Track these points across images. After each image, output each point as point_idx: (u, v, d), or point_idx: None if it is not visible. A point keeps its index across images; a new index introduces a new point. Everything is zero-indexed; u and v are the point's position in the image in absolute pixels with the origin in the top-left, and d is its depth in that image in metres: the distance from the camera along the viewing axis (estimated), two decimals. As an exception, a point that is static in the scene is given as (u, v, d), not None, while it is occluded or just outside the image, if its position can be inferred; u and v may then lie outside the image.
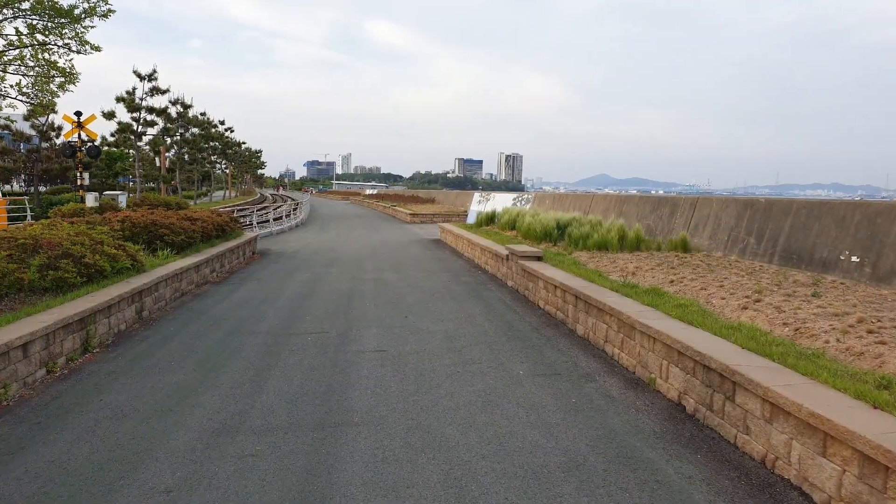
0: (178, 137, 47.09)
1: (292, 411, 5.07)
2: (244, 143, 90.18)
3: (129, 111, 34.58)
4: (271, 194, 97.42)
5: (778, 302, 6.59)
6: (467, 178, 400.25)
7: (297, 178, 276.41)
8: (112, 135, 38.29)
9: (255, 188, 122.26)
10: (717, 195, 13.93)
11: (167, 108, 38.76)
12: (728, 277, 8.35)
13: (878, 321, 5.56)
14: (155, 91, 35.44)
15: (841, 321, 5.64)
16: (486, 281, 12.28)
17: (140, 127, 35.42)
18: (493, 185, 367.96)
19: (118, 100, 34.13)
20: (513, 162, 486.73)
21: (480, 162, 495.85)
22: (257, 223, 25.49)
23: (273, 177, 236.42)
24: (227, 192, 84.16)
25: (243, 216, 27.55)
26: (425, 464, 4.14)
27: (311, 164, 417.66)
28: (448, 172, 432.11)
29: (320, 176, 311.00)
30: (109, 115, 34.08)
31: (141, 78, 34.28)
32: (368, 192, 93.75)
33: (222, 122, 75.50)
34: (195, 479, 3.91)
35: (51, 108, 25.62)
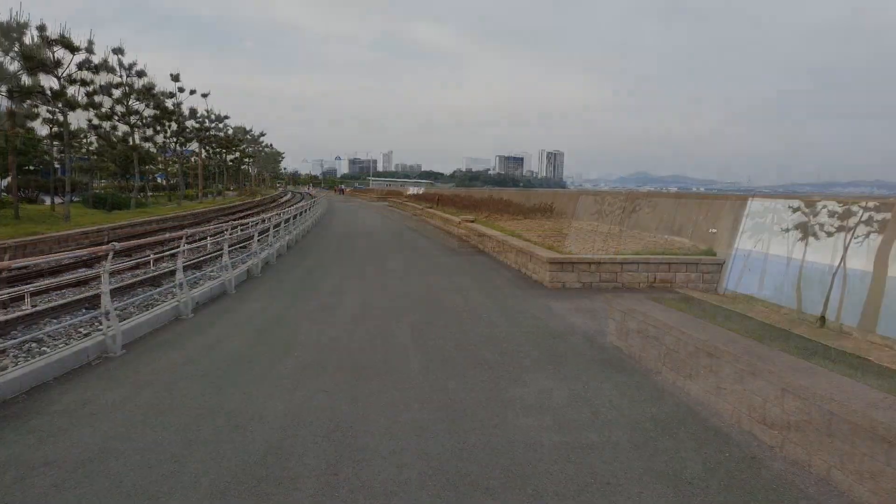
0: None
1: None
2: (225, 117, 71.54)
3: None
4: (302, 193, 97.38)
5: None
6: (508, 176, 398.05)
7: (339, 175, 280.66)
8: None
9: (256, 188, 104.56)
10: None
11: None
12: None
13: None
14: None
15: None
16: None
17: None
18: (534, 183, 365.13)
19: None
20: (554, 159, 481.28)
21: (521, 159, 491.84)
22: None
23: (311, 174, 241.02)
24: (199, 192, 62.80)
25: None
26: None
27: (353, 162, 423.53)
28: (489, 170, 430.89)
29: (362, 172, 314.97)
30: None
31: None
32: (412, 190, 72.37)
33: (176, 78, 51.64)
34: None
35: None
